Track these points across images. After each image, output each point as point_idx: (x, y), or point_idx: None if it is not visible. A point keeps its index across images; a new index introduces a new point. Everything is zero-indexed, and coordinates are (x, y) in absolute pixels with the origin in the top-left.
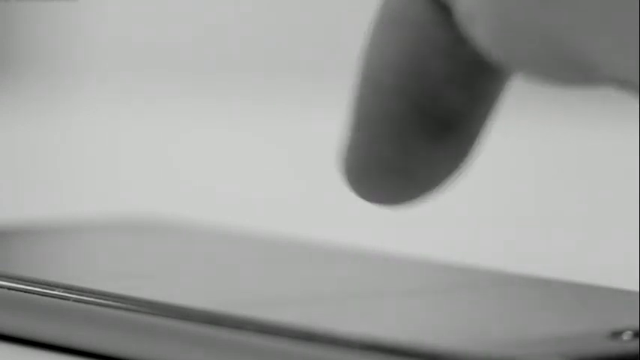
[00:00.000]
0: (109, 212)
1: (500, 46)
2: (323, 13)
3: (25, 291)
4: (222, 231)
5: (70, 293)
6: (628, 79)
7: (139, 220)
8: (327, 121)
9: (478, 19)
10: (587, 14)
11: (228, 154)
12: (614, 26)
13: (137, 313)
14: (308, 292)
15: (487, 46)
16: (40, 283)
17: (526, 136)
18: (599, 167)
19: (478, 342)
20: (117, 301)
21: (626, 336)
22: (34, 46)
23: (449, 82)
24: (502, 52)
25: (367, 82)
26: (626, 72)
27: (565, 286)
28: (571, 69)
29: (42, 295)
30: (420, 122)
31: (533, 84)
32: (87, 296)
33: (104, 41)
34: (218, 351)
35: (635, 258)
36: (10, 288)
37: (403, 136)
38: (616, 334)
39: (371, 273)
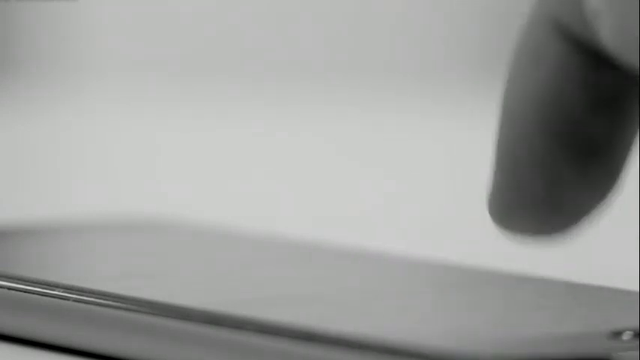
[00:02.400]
0: (109, 212)
1: (626, 43)
2: (323, 12)
3: (25, 291)
4: (222, 231)
5: (70, 293)
6: None
7: (139, 220)
8: (328, 121)
9: (604, 18)
10: None
11: (229, 154)
12: None
13: (137, 313)
14: (308, 292)
15: (613, 46)
16: (40, 283)
17: None
18: None
19: (478, 342)
20: (117, 301)
21: (626, 336)
22: (34, 46)
23: (590, 111)
24: (627, 51)
25: (510, 121)
26: None
27: (565, 286)
28: None
29: (42, 295)
30: (565, 155)
31: None
32: (87, 296)
33: (104, 41)
34: (218, 351)
35: (635, 258)
36: (10, 288)
37: (550, 170)
38: (616, 334)
39: (371, 273)
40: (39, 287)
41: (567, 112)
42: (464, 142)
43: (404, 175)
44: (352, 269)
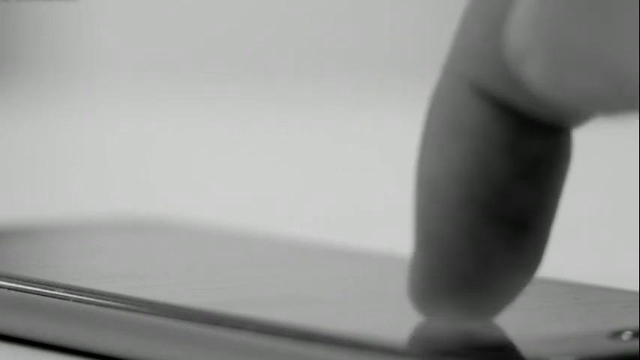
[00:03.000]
0: (109, 212)
1: (555, 79)
2: (322, 12)
3: (25, 291)
4: (222, 231)
5: (70, 293)
6: None
7: (139, 220)
8: (327, 121)
9: (529, 57)
10: None
11: (229, 154)
12: None
13: (137, 313)
14: (308, 292)
15: (540, 85)
16: (40, 283)
17: None
18: (599, 167)
19: (477, 342)
20: (117, 301)
21: (626, 336)
22: (34, 46)
23: (516, 180)
24: (556, 86)
25: (429, 194)
26: None
27: (565, 286)
28: (628, 94)
29: (42, 295)
30: (494, 226)
31: (591, 120)
32: (87, 296)
33: (104, 41)
34: (218, 351)
35: (635, 258)
36: (10, 288)
37: (479, 244)
38: (616, 334)
39: (371, 273)
40: (39, 287)
41: (494, 181)
42: None
43: (405, 175)
44: (352, 269)
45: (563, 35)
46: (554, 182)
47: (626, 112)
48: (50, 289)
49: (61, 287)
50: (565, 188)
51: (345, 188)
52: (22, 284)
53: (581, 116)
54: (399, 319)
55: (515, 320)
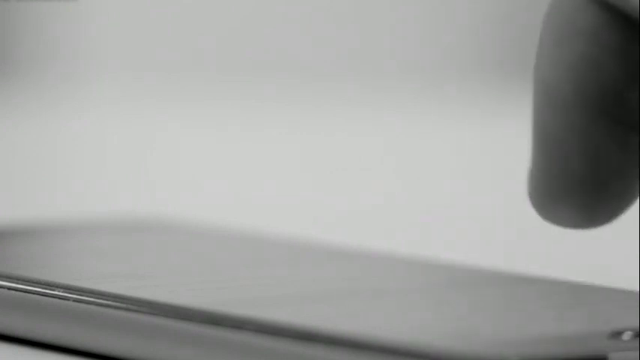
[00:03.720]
0: (109, 212)
1: None
2: (322, 12)
3: (25, 291)
4: (222, 231)
5: (70, 293)
6: None
7: (139, 220)
8: (327, 121)
9: None
10: None
11: (229, 154)
12: None
13: (137, 313)
14: (308, 292)
15: None
16: (40, 283)
17: (526, 135)
18: None
19: (478, 342)
20: (117, 301)
21: (626, 336)
22: (34, 46)
23: (630, 82)
24: None
25: (547, 99)
26: None
27: (565, 286)
28: None
29: (42, 295)
30: (607, 130)
31: None
32: (87, 296)
33: (103, 41)
34: (218, 351)
35: (635, 258)
36: (10, 288)
37: (594, 147)
38: (616, 334)
39: (371, 273)
40: (39, 287)
41: (605, 83)
42: (465, 143)
43: (405, 175)
44: (352, 269)
45: None
46: None
47: None
48: (50, 289)
49: (61, 287)
50: None
51: (345, 188)
52: (22, 284)
53: None
54: (399, 318)
55: (516, 320)
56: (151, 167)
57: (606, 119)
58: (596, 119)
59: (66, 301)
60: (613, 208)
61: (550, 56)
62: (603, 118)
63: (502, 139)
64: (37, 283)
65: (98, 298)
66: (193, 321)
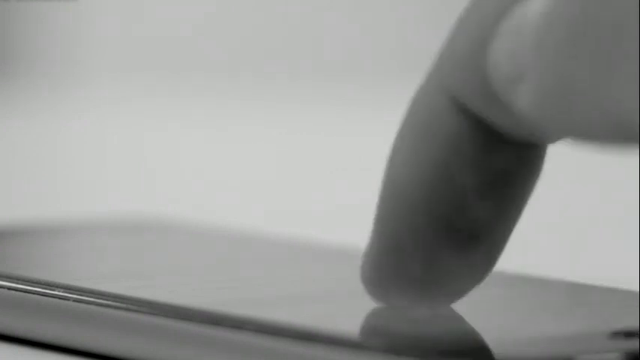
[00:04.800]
0: (109, 212)
1: (545, 110)
2: (322, 12)
3: (25, 291)
4: (222, 231)
5: (70, 293)
6: None
7: (139, 220)
8: (328, 121)
9: (522, 83)
10: None
11: (229, 154)
12: None
13: (137, 313)
14: (308, 292)
15: (529, 112)
16: (40, 283)
17: None
18: (599, 167)
19: (478, 342)
20: (117, 301)
21: (627, 336)
22: (34, 46)
23: (477, 193)
24: (545, 117)
25: (392, 194)
26: None
27: (565, 286)
28: (619, 134)
29: (42, 295)
30: (446, 235)
31: (571, 145)
32: (87, 296)
33: (103, 41)
34: (218, 351)
35: (635, 258)
36: (10, 288)
37: (429, 249)
38: (616, 334)
39: None
40: (39, 287)
41: (455, 193)
42: None
43: None
44: (352, 269)
45: (560, 67)
46: (518, 195)
47: (616, 147)
48: (50, 289)
49: (61, 287)
50: (529, 200)
51: (345, 188)
52: (22, 284)
53: (561, 139)
54: (398, 319)
55: (516, 320)
56: (151, 167)
57: (449, 229)
58: (437, 225)
59: (66, 301)
60: (441, 301)
61: (405, 155)
62: (446, 228)
63: None
64: (37, 283)
65: (98, 298)
66: (193, 321)
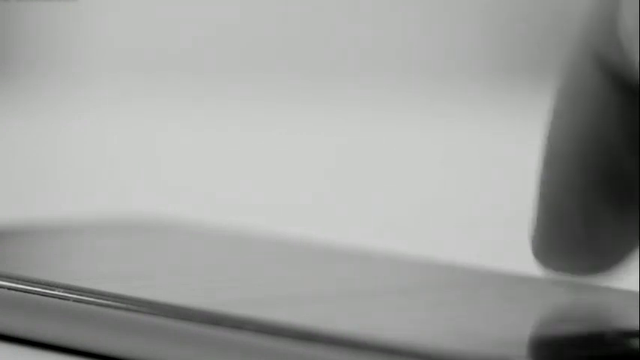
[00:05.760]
0: (109, 212)
1: None
2: (325, 12)
3: (25, 291)
4: (222, 231)
5: (70, 293)
6: None
7: (138, 220)
8: (327, 121)
9: (636, 40)
10: None
11: (229, 154)
12: None
13: (137, 313)
14: (308, 292)
15: None
16: (40, 283)
17: (526, 135)
18: None
19: (477, 342)
20: (117, 301)
21: (626, 336)
22: (34, 46)
23: (628, 149)
24: None
25: (552, 158)
26: None
27: (565, 286)
28: None
29: (42, 295)
30: (605, 194)
31: None
32: (87, 296)
33: (104, 41)
34: (218, 351)
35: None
36: (10, 288)
37: (589, 209)
38: (616, 334)
39: (371, 273)
40: (39, 287)
41: (607, 149)
42: (466, 143)
43: (405, 175)
44: (352, 269)
45: None
46: None
47: None
48: (50, 289)
49: (61, 287)
50: None
51: (345, 188)
52: (22, 284)
53: None
54: (399, 318)
55: (516, 320)
56: (151, 167)
57: (605, 185)
58: (594, 183)
59: (66, 301)
60: (605, 267)
61: (559, 119)
62: (602, 184)
63: (504, 139)
64: (37, 283)
65: (98, 298)
66: (193, 321)
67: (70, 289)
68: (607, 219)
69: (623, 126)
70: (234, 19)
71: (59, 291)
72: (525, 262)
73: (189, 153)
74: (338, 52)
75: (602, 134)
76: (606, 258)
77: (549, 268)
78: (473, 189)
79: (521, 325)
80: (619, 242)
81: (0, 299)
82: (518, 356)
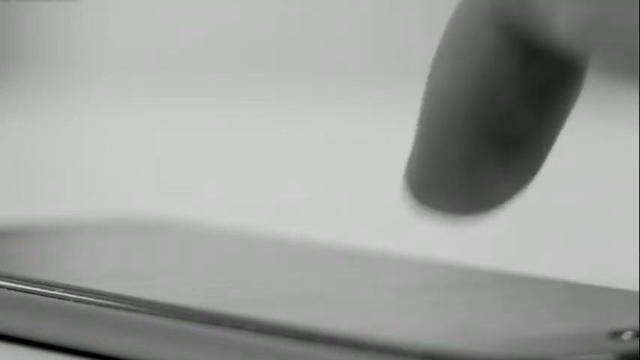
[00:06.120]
0: (109, 212)
1: (585, 33)
2: (323, 13)
3: (25, 291)
4: (222, 231)
5: (70, 293)
6: None
7: (139, 220)
8: (327, 121)
9: (562, 8)
10: None
11: (229, 154)
12: None
13: (137, 313)
14: (308, 292)
15: (566, 36)
16: (40, 283)
17: None
18: (599, 167)
19: (478, 342)
20: (117, 301)
21: (626, 336)
22: (34, 46)
23: (518, 103)
24: (580, 42)
25: (436, 104)
26: None
27: (565, 286)
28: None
29: (42, 295)
30: (488, 144)
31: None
32: (87, 296)
33: (104, 41)
34: (218, 351)
35: (635, 258)
36: (10, 288)
37: (472, 156)
38: (616, 334)
39: (371, 273)
40: (39, 287)
41: (495, 102)
42: None
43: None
44: (352, 269)
45: None
46: (558, 109)
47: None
48: (50, 289)
49: (61, 287)
50: (568, 118)
51: (345, 188)
52: (22, 284)
53: (592, 59)
54: (399, 318)
55: (516, 320)
56: (151, 167)
57: (490, 136)
58: (480, 134)
59: (66, 301)
60: (483, 209)
61: (447, 67)
62: (487, 135)
63: None
64: (37, 283)
65: (98, 298)
66: (193, 321)
67: (70, 289)
68: (488, 169)
69: (514, 79)
70: (234, 19)
71: (59, 291)
72: (526, 262)
73: (189, 153)
74: (338, 52)
75: (492, 86)
76: (483, 203)
77: (422, 206)
78: None
79: (521, 325)
80: (498, 191)
81: (0, 299)
82: (518, 356)
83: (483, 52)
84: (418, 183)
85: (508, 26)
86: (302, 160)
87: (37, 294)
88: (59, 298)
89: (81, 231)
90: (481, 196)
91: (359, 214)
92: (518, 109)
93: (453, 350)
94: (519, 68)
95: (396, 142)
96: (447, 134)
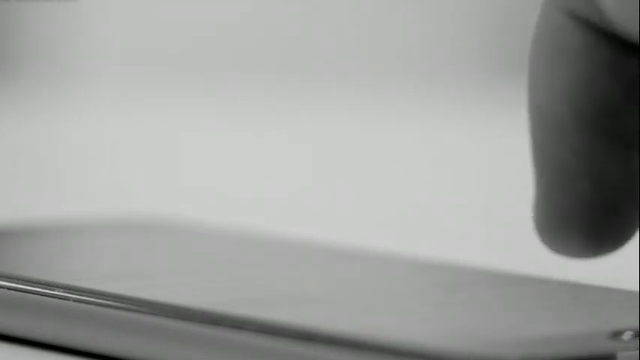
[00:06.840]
0: (109, 212)
1: (625, 11)
2: (323, 13)
3: (25, 291)
4: (222, 231)
5: (70, 293)
6: None
7: (139, 220)
8: (327, 121)
9: None
10: None
11: (228, 154)
12: None
13: (137, 313)
14: (308, 292)
15: (615, 17)
16: (40, 283)
17: (526, 135)
18: None
19: (478, 342)
20: (117, 301)
21: (626, 336)
22: (34, 46)
23: (622, 100)
24: (628, 20)
25: (544, 123)
26: None
27: (565, 286)
28: None
29: (42, 295)
30: (607, 149)
31: None
32: (87, 296)
33: (104, 41)
34: (218, 351)
35: (635, 258)
36: (10, 288)
37: (596, 168)
38: (616, 334)
39: (371, 273)
40: (39, 287)
41: (601, 103)
42: (465, 143)
43: (404, 175)
44: (352, 269)
45: None
46: None
47: None
48: (50, 289)
49: (61, 287)
50: None
51: (346, 188)
52: (22, 284)
53: None
54: (399, 319)
55: (516, 320)
56: (151, 167)
57: (605, 138)
58: (594, 139)
59: (66, 301)
60: (620, 233)
61: (542, 80)
62: (602, 137)
63: (503, 139)
64: (37, 283)
65: (98, 298)
66: (193, 321)
67: (70, 289)
68: (612, 175)
69: (612, 76)
70: (234, 19)
71: (59, 291)
72: (525, 263)
73: (189, 153)
74: (338, 52)
75: (594, 88)
76: (616, 219)
77: (555, 244)
78: (473, 189)
79: (522, 325)
80: (627, 199)
81: (0, 299)
82: (518, 356)
83: (574, 51)
84: (549, 217)
85: (587, 22)
86: (302, 160)
87: (37, 294)
88: (59, 298)
89: (81, 231)
90: (614, 217)
91: (359, 214)
92: (623, 106)
93: (453, 350)
94: (613, 61)
95: (396, 143)
96: (564, 150)
